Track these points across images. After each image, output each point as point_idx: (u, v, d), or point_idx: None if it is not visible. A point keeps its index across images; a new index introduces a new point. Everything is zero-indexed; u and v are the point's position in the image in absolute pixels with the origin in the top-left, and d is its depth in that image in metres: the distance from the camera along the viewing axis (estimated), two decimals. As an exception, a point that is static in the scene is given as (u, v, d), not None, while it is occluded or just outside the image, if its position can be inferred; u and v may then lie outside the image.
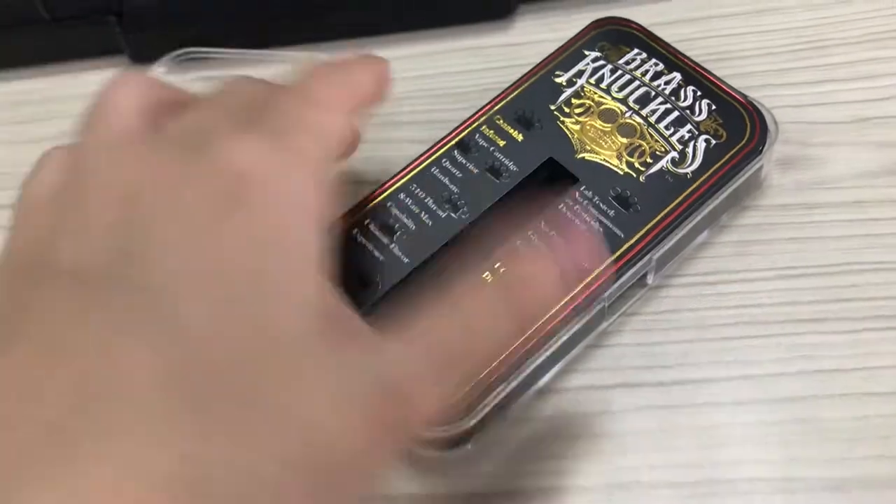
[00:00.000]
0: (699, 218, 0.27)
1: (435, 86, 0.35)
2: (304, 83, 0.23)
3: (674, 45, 0.31)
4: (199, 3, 0.37)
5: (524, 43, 0.36)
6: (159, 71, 0.36)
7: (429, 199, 0.28)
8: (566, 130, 0.29)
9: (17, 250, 0.20)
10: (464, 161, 0.29)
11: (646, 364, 0.27)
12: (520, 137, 0.29)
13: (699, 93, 0.29)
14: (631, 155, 0.28)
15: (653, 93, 0.29)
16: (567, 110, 0.29)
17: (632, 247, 0.26)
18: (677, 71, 0.30)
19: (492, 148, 0.29)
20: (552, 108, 0.29)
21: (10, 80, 0.39)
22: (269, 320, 0.18)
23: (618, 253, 0.26)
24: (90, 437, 0.16)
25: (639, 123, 0.29)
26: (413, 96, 0.35)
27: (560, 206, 0.27)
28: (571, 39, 0.31)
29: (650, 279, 0.27)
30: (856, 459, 0.25)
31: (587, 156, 0.28)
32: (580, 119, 0.29)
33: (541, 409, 0.27)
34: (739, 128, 0.28)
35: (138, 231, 0.19)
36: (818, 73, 0.33)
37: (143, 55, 0.38)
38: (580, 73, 0.30)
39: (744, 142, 0.28)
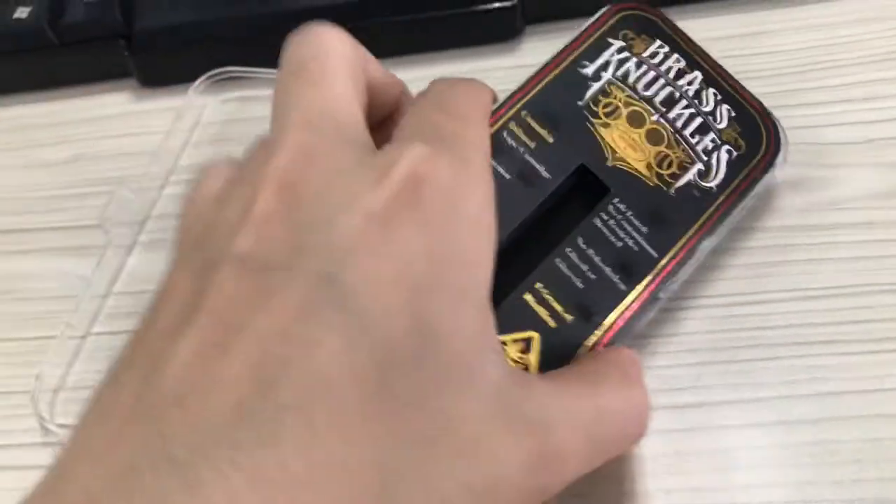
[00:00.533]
0: (723, 233, 0.27)
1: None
2: (449, 99, 0.23)
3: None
4: (207, 27, 0.37)
5: (532, 65, 0.36)
6: (197, 90, 0.36)
7: None
8: (596, 134, 0.27)
9: (189, 242, 0.20)
10: (495, 165, 0.26)
11: (659, 387, 0.27)
12: (550, 139, 0.27)
13: (719, 96, 0.28)
14: (660, 165, 0.27)
15: (677, 94, 0.28)
16: (595, 109, 0.27)
17: (664, 266, 0.25)
18: (698, 70, 0.29)
19: (522, 150, 0.26)
20: (580, 104, 0.27)
21: (20, 104, 0.39)
22: (453, 335, 0.18)
23: (651, 274, 0.25)
24: (280, 423, 0.15)
25: (666, 129, 0.27)
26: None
27: (595, 221, 0.26)
28: (592, 25, 0.29)
29: (662, 294, 0.26)
30: (869, 481, 0.25)
31: (619, 164, 0.27)
32: (609, 121, 0.27)
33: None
34: (756, 138, 0.28)
35: (308, 225, 0.18)
36: (830, 93, 0.33)
37: (152, 78, 0.39)
38: (606, 66, 0.28)
39: (761, 154, 0.28)
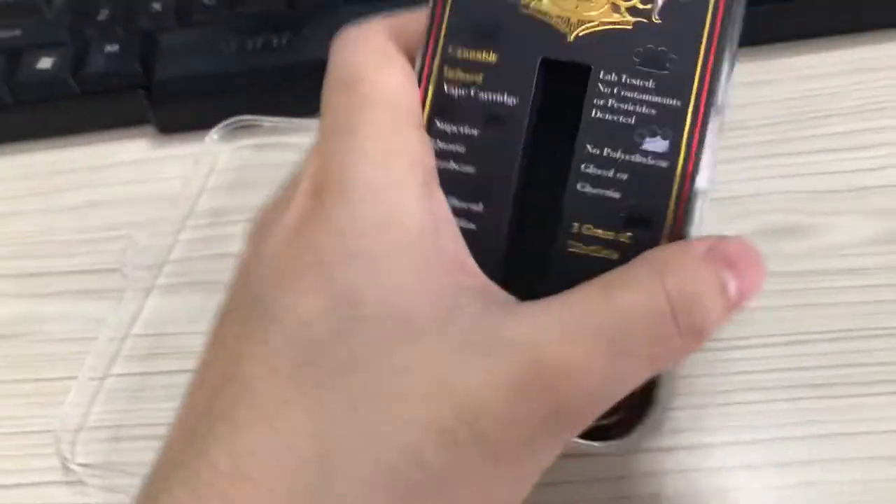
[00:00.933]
0: (738, 22, 0.21)
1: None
2: None
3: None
4: (223, 78, 0.39)
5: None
6: (213, 138, 0.38)
7: (455, 200, 0.21)
8: (538, 16, 0.21)
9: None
10: (452, 129, 0.22)
11: (657, 429, 0.28)
12: (493, 58, 0.22)
13: None
14: None
15: None
16: None
17: (696, 111, 0.20)
18: None
19: (472, 91, 0.22)
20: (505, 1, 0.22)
21: (43, 150, 0.41)
22: (379, 299, 0.18)
23: (686, 130, 0.20)
24: (211, 432, 0.18)
25: None
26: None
27: (593, 113, 0.21)
28: None
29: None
30: (863, 523, 0.26)
31: (580, 31, 0.21)
32: None
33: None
34: None
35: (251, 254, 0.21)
36: (818, 142, 0.34)
37: (170, 126, 0.40)
38: None
39: None
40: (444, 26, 0.22)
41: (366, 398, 0.18)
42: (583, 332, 0.18)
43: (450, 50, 0.22)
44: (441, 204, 0.20)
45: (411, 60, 0.22)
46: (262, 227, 0.21)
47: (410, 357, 0.18)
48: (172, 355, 0.33)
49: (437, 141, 0.21)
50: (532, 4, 0.21)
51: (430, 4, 0.22)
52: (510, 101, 0.21)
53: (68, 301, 0.35)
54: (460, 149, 0.21)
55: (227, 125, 0.39)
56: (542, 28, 0.21)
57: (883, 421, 0.27)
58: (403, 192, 0.19)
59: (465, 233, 0.21)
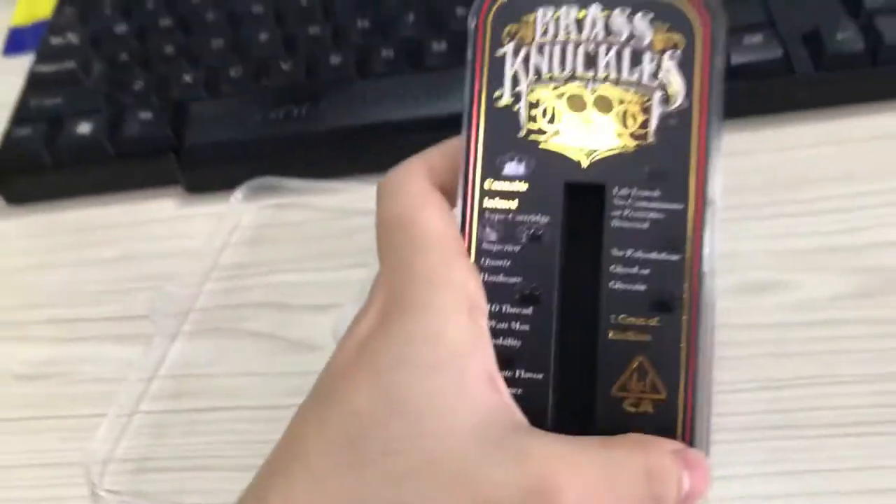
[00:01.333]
0: (719, 135, 0.25)
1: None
2: None
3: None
4: (248, 143, 0.43)
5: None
6: (237, 197, 0.41)
7: (506, 307, 0.25)
8: (554, 148, 0.25)
9: None
10: (498, 247, 0.25)
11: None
12: (524, 187, 0.25)
13: (629, 10, 0.25)
14: (626, 125, 0.25)
15: (591, 46, 0.25)
16: (536, 128, 0.25)
17: (695, 209, 0.24)
18: (591, 3, 0.26)
19: (510, 216, 0.25)
20: (521, 135, 0.25)
21: (78, 207, 0.44)
22: (421, 401, 0.22)
23: (689, 225, 0.24)
24: (269, 486, 0.22)
25: (606, 88, 0.25)
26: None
27: (612, 223, 0.24)
28: (477, 46, 0.26)
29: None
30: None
31: (593, 158, 0.25)
32: (555, 127, 0.25)
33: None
34: (687, 23, 0.25)
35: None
36: (793, 207, 0.37)
37: (197, 186, 0.43)
38: (515, 79, 0.26)
39: (701, 34, 0.25)
40: (476, 163, 0.26)
41: (400, 477, 0.21)
42: (586, 466, 0.22)
43: (486, 185, 0.25)
44: (481, 327, 0.24)
45: (443, 190, 0.25)
46: (345, 336, 0.24)
47: (443, 448, 0.21)
48: (195, 395, 0.35)
49: (486, 259, 0.25)
50: (550, 140, 0.25)
51: (464, 147, 0.26)
52: (544, 219, 0.25)
53: (99, 345, 0.38)
54: (506, 263, 0.25)
55: (250, 186, 0.42)
56: (559, 157, 0.25)
57: (846, 459, 0.30)
58: (449, 316, 0.23)
59: (518, 334, 0.25)
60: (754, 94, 0.40)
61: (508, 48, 0.26)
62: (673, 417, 0.24)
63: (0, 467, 0.35)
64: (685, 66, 0.25)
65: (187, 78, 0.45)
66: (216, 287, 0.39)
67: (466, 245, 0.25)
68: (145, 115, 0.44)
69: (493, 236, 0.25)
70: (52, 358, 0.38)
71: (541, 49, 0.26)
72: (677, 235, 0.24)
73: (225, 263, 0.40)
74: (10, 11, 0.59)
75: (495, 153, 0.26)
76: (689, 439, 0.24)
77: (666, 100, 0.25)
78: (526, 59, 0.26)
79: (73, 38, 0.50)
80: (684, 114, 0.24)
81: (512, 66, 0.26)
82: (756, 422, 0.31)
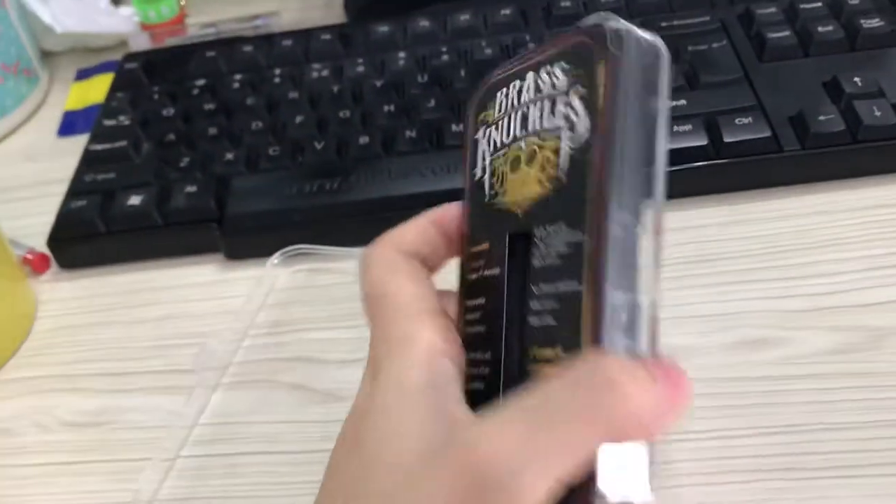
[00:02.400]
0: (628, 143, 0.23)
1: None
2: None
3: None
4: (283, 214, 0.46)
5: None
6: (273, 262, 0.44)
7: (475, 354, 0.26)
8: (503, 206, 0.27)
9: None
10: (475, 303, 0.27)
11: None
12: (486, 246, 0.27)
13: (549, 67, 0.26)
14: (543, 169, 0.25)
15: (525, 108, 0.27)
16: (493, 191, 0.27)
17: (593, 244, 0.23)
18: (529, 71, 0.27)
19: (481, 272, 0.27)
20: (487, 203, 0.27)
21: (127, 272, 0.48)
22: (396, 432, 0.24)
23: (586, 257, 0.23)
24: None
25: (532, 141, 0.26)
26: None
27: (534, 263, 0.25)
28: (467, 133, 0.29)
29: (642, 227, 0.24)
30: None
31: (525, 208, 0.26)
32: (503, 187, 0.27)
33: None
34: (591, 58, 0.24)
35: None
36: (784, 271, 0.41)
37: (237, 253, 0.47)
38: (483, 156, 0.28)
39: (602, 64, 0.24)
40: (466, 236, 0.28)
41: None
42: (510, 419, 0.21)
43: (470, 251, 0.28)
44: (444, 372, 0.25)
45: (418, 257, 0.28)
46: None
47: (394, 482, 0.23)
48: (232, 440, 0.38)
49: (467, 315, 0.27)
50: (497, 199, 0.27)
51: (462, 220, 0.28)
52: (497, 271, 0.26)
53: (145, 396, 0.41)
54: (476, 316, 0.27)
55: (285, 252, 0.46)
56: (506, 214, 0.26)
57: (833, 499, 0.32)
58: (413, 369, 0.25)
59: (480, 377, 0.26)
60: (747, 169, 0.44)
61: (480, 131, 0.29)
62: None
63: (52, 507, 0.38)
64: (587, 101, 0.24)
65: (229, 156, 0.49)
66: (254, 343, 0.43)
67: (458, 307, 0.28)
68: (190, 188, 0.48)
69: (470, 295, 0.28)
70: (102, 408, 0.41)
71: (497, 125, 0.28)
72: (575, 265, 0.23)
73: (261, 322, 0.44)
74: (64, 97, 0.64)
75: (474, 223, 0.28)
76: None
77: (573, 137, 0.24)
78: (489, 137, 0.28)
79: (124, 119, 0.54)
80: (585, 147, 0.24)
81: (481, 145, 0.28)
82: (748, 465, 0.34)
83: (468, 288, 0.28)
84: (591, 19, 0.24)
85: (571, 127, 0.24)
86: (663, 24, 0.52)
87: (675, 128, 0.45)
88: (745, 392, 0.36)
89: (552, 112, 0.25)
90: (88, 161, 0.52)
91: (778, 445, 0.34)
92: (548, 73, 0.26)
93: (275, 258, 0.45)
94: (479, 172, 0.28)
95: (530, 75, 0.27)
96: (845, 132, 0.43)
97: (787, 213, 0.44)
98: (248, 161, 0.49)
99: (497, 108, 0.28)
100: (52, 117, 0.63)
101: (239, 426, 0.39)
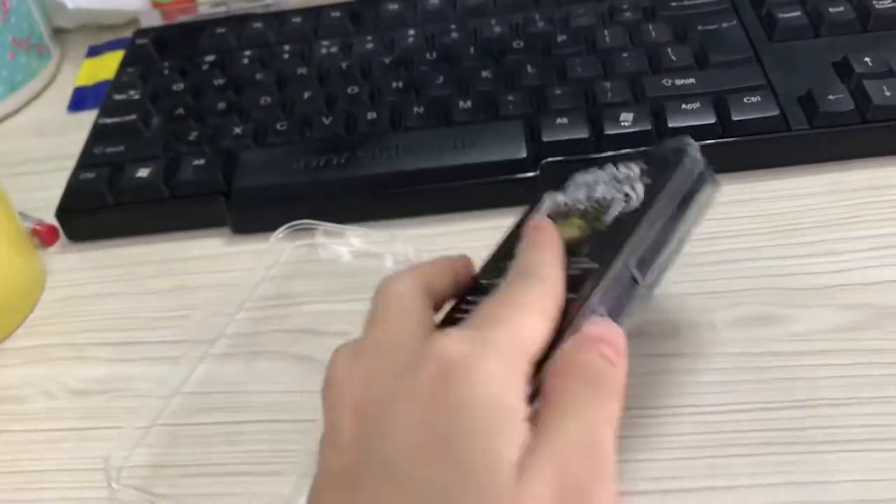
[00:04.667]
0: (660, 222, 0.30)
1: (480, 254, 0.43)
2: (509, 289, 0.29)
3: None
4: (289, 188, 0.46)
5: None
6: (277, 237, 0.45)
7: None
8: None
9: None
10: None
11: (654, 476, 0.33)
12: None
13: (629, 164, 0.33)
14: (590, 222, 0.32)
15: (596, 185, 0.34)
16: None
17: (607, 266, 0.29)
18: (609, 163, 0.34)
19: (493, 285, 0.32)
20: None
21: (135, 244, 0.48)
22: (476, 466, 0.24)
23: (592, 277, 0.29)
24: None
25: (592, 205, 0.33)
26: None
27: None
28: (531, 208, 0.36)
29: (640, 278, 0.30)
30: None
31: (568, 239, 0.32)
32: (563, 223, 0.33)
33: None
34: (668, 165, 0.31)
35: (374, 431, 0.26)
36: (792, 249, 0.41)
37: (243, 227, 0.47)
38: (543, 207, 0.35)
39: (671, 167, 0.31)
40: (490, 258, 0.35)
41: None
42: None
43: (493, 262, 0.34)
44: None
45: (431, 289, 0.31)
46: None
47: None
48: (233, 409, 0.39)
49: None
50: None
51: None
52: None
53: (151, 365, 0.42)
54: None
55: (290, 227, 0.46)
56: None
57: (837, 472, 0.32)
58: (414, 345, 0.28)
59: None
60: (755, 148, 0.44)
61: (549, 194, 0.35)
62: None
63: (54, 470, 0.38)
64: (651, 187, 0.31)
65: (237, 130, 0.50)
66: (255, 315, 0.43)
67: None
68: (198, 161, 0.48)
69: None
70: (108, 376, 0.41)
71: (565, 191, 0.35)
72: (584, 282, 0.29)
73: (264, 294, 0.44)
74: (75, 73, 0.65)
75: (506, 249, 0.34)
76: None
77: (624, 207, 0.31)
78: (554, 197, 0.35)
79: (134, 94, 0.55)
80: (629, 216, 0.31)
81: (545, 205, 0.35)
82: (753, 438, 0.33)
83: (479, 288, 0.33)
84: (674, 143, 0.32)
85: (627, 201, 0.31)
86: (674, 3, 0.51)
87: (684, 105, 0.44)
88: (752, 367, 0.36)
89: (617, 190, 0.32)
90: (98, 134, 0.52)
91: (783, 420, 0.34)
92: (626, 167, 0.33)
93: (279, 232, 0.45)
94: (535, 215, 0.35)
95: (609, 165, 0.34)
96: (854, 112, 0.43)
97: (795, 192, 0.43)
98: (256, 135, 0.49)
99: (572, 182, 0.35)
100: (62, 93, 0.63)
101: (241, 395, 0.39)
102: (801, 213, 0.42)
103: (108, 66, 0.63)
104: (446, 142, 0.46)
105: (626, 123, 0.44)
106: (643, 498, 0.32)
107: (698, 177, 0.31)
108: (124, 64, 0.58)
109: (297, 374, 0.40)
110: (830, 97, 0.43)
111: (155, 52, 0.59)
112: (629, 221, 0.31)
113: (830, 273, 0.39)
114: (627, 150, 0.35)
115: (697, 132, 0.44)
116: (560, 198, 0.35)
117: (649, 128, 0.44)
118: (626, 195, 0.32)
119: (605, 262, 0.29)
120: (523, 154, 0.45)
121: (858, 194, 0.42)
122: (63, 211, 0.49)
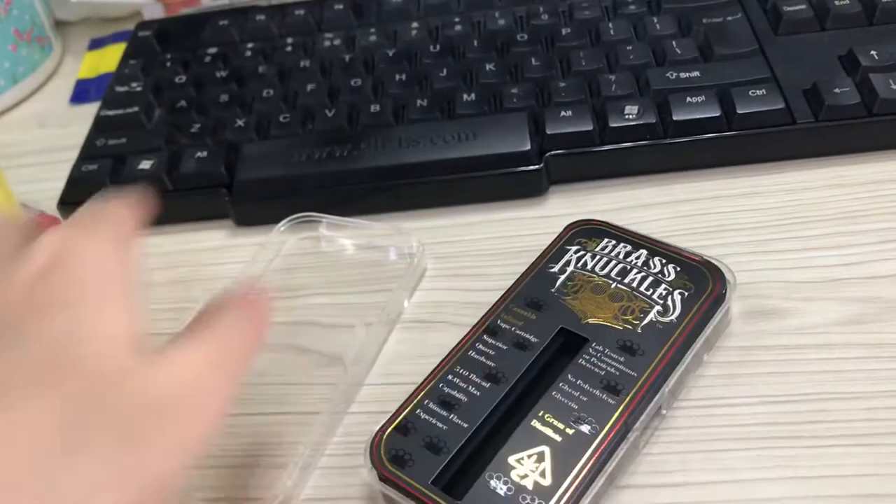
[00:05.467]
0: (692, 353, 0.34)
1: (483, 247, 0.43)
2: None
3: (673, 219, 0.39)
4: (291, 181, 0.46)
5: (554, 216, 0.44)
6: (280, 229, 0.44)
7: (473, 375, 0.34)
8: (568, 305, 0.36)
9: None
10: (493, 342, 0.35)
11: (652, 469, 0.33)
12: (534, 317, 0.36)
13: (664, 261, 0.37)
14: (624, 314, 0.35)
15: (628, 267, 0.37)
16: (565, 290, 0.37)
17: (644, 381, 0.33)
18: (643, 248, 0.38)
19: (513, 328, 0.36)
20: (553, 290, 0.37)
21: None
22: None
23: (635, 388, 0.32)
24: None
25: (623, 290, 0.36)
26: (466, 254, 0.43)
27: (580, 361, 0.34)
28: (555, 240, 0.39)
29: (664, 410, 0.33)
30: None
31: (590, 320, 0.35)
32: (577, 295, 0.36)
33: None
34: (703, 280, 0.36)
35: None
36: (800, 242, 0.40)
37: (245, 220, 0.47)
38: (567, 263, 0.38)
39: (709, 290, 0.36)
40: (511, 294, 0.37)
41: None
42: None
43: (510, 306, 0.37)
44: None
45: None
46: None
47: None
48: (235, 401, 0.38)
49: (478, 345, 0.35)
50: (568, 298, 0.36)
51: (510, 285, 0.38)
52: (533, 339, 0.35)
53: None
54: (490, 352, 0.35)
55: (293, 220, 0.46)
56: (568, 312, 0.36)
57: (841, 467, 0.32)
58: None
59: (469, 394, 0.34)
60: (760, 141, 0.43)
61: (574, 248, 0.39)
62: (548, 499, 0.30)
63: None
64: (687, 303, 0.35)
65: (240, 122, 0.49)
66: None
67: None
68: (200, 153, 0.48)
69: (493, 335, 0.36)
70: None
71: (594, 256, 0.38)
72: (623, 389, 0.32)
73: (267, 287, 0.44)
74: (77, 66, 0.65)
75: (527, 292, 0.37)
76: None
77: (661, 314, 0.35)
78: (581, 257, 0.38)
79: (136, 86, 0.54)
80: (670, 326, 0.34)
81: (570, 256, 0.38)
82: (756, 432, 0.33)
83: (494, 324, 0.36)
84: (707, 262, 0.37)
85: (664, 309, 0.35)
86: (679, -5, 0.51)
87: (689, 98, 0.44)
88: (756, 360, 0.36)
89: (653, 289, 0.36)
90: (100, 126, 0.52)
91: (788, 414, 0.34)
92: (661, 263, 0.37)
93: (282, 225, 0.45)
94: (555, 267, 0.38)
95: (644, 252, 0.38)
96: (860, 105, 0.42)
97: (800, 185, 0.43)
98: (258, 128, 0.49)
99: (600, 246, 0.38)
100: (64, 85, 0.63)
101: (242, 387, 0.37)
102: (807, 207, 0.42)
103: (110, 58, 0.63)
104: (449, 134, 0.46)
105: (630, 116, 0.44)
106: (645, 491, 0.32)
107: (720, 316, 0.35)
108: (126, 56, 0.58)
109: (298, 366, 0.39)
110: (836, 90, 0.43)
111: (157, 45, 0.58)
112: (664, 334, 0.34)
113: (836, 266, 0.39)
114: (658, 239, 0.39)
115: (702, 125, 0.44)
116: (588, 260, 0.38)
117: (654, 121, 0.44)
118: (664, 302, 0.35)
119: (641, 370, 0.33)
120: (527, 146, 0.44)
121: (864, 188, 0.42)
122: (64, 202, 0.48)
